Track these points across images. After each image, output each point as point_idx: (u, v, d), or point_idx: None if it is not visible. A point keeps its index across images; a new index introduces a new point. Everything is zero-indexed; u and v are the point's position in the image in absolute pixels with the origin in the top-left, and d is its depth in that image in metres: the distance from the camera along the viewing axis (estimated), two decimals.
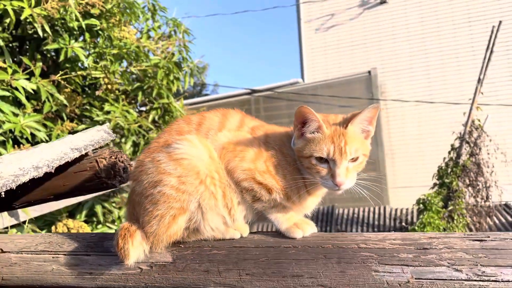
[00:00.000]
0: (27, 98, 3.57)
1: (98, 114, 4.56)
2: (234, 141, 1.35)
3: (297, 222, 1.33)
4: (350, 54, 11.19)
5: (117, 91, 5.12)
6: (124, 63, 5.14)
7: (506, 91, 9.84)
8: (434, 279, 1.14)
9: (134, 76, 5.45)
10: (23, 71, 3.58)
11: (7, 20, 3.43)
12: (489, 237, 1.18)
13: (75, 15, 3.88)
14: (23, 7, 3.37)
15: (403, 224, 8.45)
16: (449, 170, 7.07)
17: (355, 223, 8.17)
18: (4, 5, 3.30)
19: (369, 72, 10.66)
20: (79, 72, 4.29)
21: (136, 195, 1.34)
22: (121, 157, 1.67)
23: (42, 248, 1.46)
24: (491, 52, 7.13)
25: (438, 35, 10.55)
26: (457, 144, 7.10)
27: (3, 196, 1.12)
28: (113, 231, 4.28)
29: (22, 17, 3.34)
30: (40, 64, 3.76)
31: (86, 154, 1.58)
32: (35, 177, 1.23)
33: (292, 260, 1.25)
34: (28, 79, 3.53)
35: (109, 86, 4.96)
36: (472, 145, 7.26)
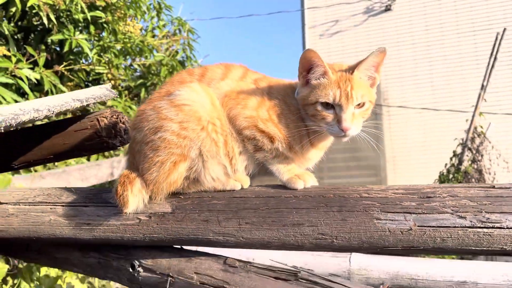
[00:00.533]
0: (30, 89, 3.58)
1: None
2: (236, 89, 1.34)
3: (299, 173, 1.31)
4: (354, 60, 11.20)
5: (120, 87, 5.14)
6: (129, 60, 5.18)
7: (509, 101, 9.83)
8: (437, 227, 1.12)
9: (137, 73, 5.49)
10: (26, 60, 3.59)
11: (13, 9, 3.45)
12: (494, 187, 1.16)
13: (81, 6, 3.90)
14: None
15: None
16: (451, 176, 7.04)
17: None
18: None
19: None
20: (83, 66, 4.31)
21: (137, 143, 1.33)
22: (123, 117, 1.66)
23: (40, 199, 1.44)
24: (495, 59, 7.14)
25: (442, 43, 10.57)
26: (459, 150, 7.08)
27: (2, 131, 1.11)
28: None
29: (28, 5, 3.35)
30: (44, 54, 3.76)
31: (87, 111, 1.57)
32: (35, 119, 1.22)
33: (292, 209, 1.23)
34: (32, 68, 3.54)
35: (112, 82, 4.99)
36: (474, 151, 7.24)
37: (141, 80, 5.12)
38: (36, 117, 1.22)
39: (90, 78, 4.84)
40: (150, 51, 4.96)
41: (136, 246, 1.41)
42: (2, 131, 1.12)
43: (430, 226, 1.13)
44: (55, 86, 3.75)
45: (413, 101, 10.60)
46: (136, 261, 1.41)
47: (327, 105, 1.27)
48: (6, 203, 1.45)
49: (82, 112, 1.67)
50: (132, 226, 1.34)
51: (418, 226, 1.13)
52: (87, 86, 4.88)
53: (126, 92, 5.18)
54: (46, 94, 3.78)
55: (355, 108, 1.27)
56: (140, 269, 1.39)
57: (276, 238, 1.23)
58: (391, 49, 10.99)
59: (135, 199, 1.29)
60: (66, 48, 3.90)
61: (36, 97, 3.85)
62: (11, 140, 1.67)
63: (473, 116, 6.95)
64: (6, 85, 3.28)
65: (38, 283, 2.79)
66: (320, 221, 1.20)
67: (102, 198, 1.40)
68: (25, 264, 2.71)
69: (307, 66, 1.28)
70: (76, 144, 1.64)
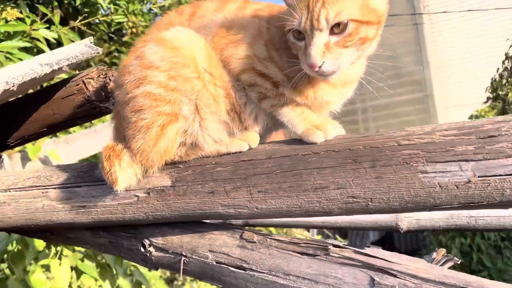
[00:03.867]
0: (50, 49, 3.43)
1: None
2: (228, 23, 1.05)
3: (317, 123, 1.03)
4: None
5: (142, 34, 4.89)
6: (148, 5, 4.88)
7: None
8: (506, 175, 0.84)
9: (158, 17, 5.21)
10: (41, 20, 3.39)
11: None
12: None
13: None
14: None
15: None
16: (504, 81, 6.40)
17: None
18: None
19: None
20: (102, 18, 4.08)
21: (120, 104, 1.09)
22: (112, 75, 1.43)
23: (30, 183, 1.28)
24: None
25: None
26: None
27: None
28: None
29: None
30: (58, 11, 3.54)
31: (68, 79, 1.34)
32: None
33: (313, 170, 0.98)
34: (48, 28, 3.36)
35: (134, 30, 4.76)
36: None
37: None
38: None
39: (112, 29, 4.63)
40: None
41: (143, 224, 1.24)
42: None
43: (496, 175, 0.85)
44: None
45: (456, 4, 9.58)
46: (146, 240, 1.24)
47: (299, 34, 0.94)
48: None
49: (70, 76, 1.44)
50: (131, 205, 1.16)
51: (479, 177, 0.86)
52: (110, 38, 4.69)
53: None
54: None
55: (331, 36, 0.91)
56: (152, 249, 1.23)
57: (297, 205, 1.00)
58: None
59: (125, 174, 1.08)
60: (78, 1, 3.65)
61: None
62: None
63: None
64: (26, 49, 3.14)
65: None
66: (348, 181, 0.95)
67: (95, 176, 1.21)
68: None
69: None
70: (68, 113, 1.45)
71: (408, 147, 0.92)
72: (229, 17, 1.05)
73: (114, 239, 1.34)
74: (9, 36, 3.14)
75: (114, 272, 2.75)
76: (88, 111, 1.44)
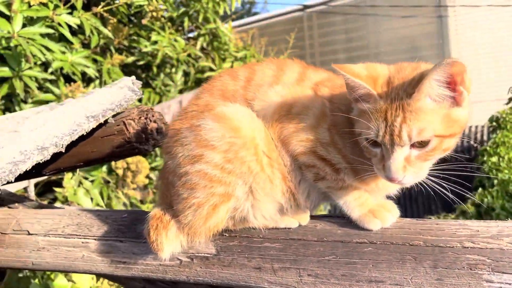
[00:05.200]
0: (73, 34, 3.40)
1: (146, 45, 4.35)
2: (289, 100, 1.00)
3: (374, 208, 0.99)
4: None
5: (162, 19, 4.83)
6: None
7: None
8: None
9: (178, 1, 5.12)
10: (64, 5, 3.34)
11: None
12: None
13: None
14: None
15: (472, 143, 7.89)
16: None
17: None
18: None
19: None
20: (122, 1, 4.00)
21: (169, 172, 1.06)
22: (153, 116, 1.39)
23: (70, 231, 1.27)
24: None
25: None
26: None
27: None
28: None
29: None
30: None
31: (106, 122, 1.31)
32: (41, 161, 0.99)
33: (368, 261, 0.95)
34: (70, 13, 3.32)
35: (154, 14, 4.69)
36: None
37: (183, 9, 4.79)
38: (41, 159, 0.99)
39: (132, 11, 4.56)
40: None
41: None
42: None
43: None
44: (97, 29, 3.54)
45: None
46: None
47: (374, 142, 0.89)
48: (36, 234, 1.30)
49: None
50: (173, 268, 1.14)
51: None
52: (130, 21, 4.62)
53: (169, 24, 4.88)
54: (89, 38, 3.60)
55: (413, 149, 0.86)
56: None
57: None
58: None
59: (170, 244, 1.07)
60: None
61: (80, 41, 3.66)
62: None
63: None
64: (48, 35, 3.12)
65: None
66: (407, 279, 0.91)
67: (136, 232, 1.19)
68: None
69: (347, 86, 0.91)
70: (106, 152, 1.42)
71: (473, 250, 0.88)
72: (288, 93, 1.00)
73: (149, 286, 1.34)
74: (32, 20, 3.11)
75: None
76: (126, 151, 1.41)
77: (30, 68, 3.01)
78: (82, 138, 1.42)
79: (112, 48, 4.15)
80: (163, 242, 1.05)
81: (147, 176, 4.04)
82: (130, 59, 4.31)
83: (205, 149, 0.95)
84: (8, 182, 0.89)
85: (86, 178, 3.29)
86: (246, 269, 1.06)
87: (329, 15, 10.34)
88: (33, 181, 3.01)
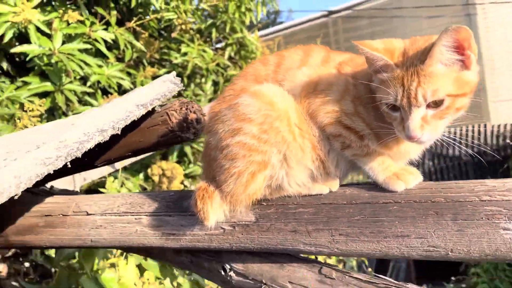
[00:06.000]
0: (108, 49, 3.63)
1: (176, 57, 4.56)
2: (315, 79, 1.12)
3: (398, 171, 1.10)
4: None
5: (191, 31, 5.05)
6: (195, 1, 5.00)
7: None
8: None
9: (206, 13, 5.33)
10: (99, 22, 3.59)
11: None
12: None
13: None
14: None
15: (508, 141, 7.71)
16: None
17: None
18: None
19: None
20: (152, 16, 4.24)
21: (211, 149, 1.20)
22: (192, 107, 1.54)
23: (124, 209, 1.42)
24: None
25: None
26: None
27: (69, 166, 1.05)
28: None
29: None
30: (114, 12, 3.74)
31: (153, 110, 1.47)
32: (101, 142, 1.14)
33: (394, 218, 1.05)
34: (106, 29, 3.55)
35: (183, 27, 4.91)
36: None
37: (210, 21, 4.99)
38: (101, 140, 1.14)
39: (162, 26, 4.80)
40: None
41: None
42: (69, 165, 1.05)
43: None
44: (130, 43, 3.76)
45: None
46: (227, 265, 1.36)
47: (394, 106, 1.01)
48: (94, 214, 1.46)
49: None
50: (217, 236, 1.27)
51: None
52: (160, 34, 4.86)
53: (198, 35, 5.09)
54: (124, 52, 3.83)
55: (429, 109, 0.97)
56: (232, 273, 1.34)
57: (377, 250, 1.07)
58: None
59: (215, 212, 1.20)
60: (133, 3, 3.82)
61: (115, 55, 3.90)
62: None
63: None
64: (86, 50, 3.36)
65: None
66: (430, 232, 1.01)
67: (183, 206, 1.33)
68: None
69: (367, 59, 1.03)
70: (152, 141, 1.57)
71: (490, 203, 0.97)
72: (314, 73, 1.12)
73: (195, 260, 1.47)
74: (70, 38, 3.35)
75: (174, 271, 2.93)
76: (170, 140, 1.56)
77: (70, 82, 3.23)
78: (130, 129, 1.58)
79: (144, 61, 4.37)
80: (209, 210, 1.18)
81: (182, 182, 4.21)
82: (162, 71, 4.51)
83: (243, 123, 1.08)
84: (76, 157, 1.04)
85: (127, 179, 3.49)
86: (283, 232, 1.17)
87: (354, 20, 10.41)
88: (78, 185, 3.23)
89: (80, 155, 1.07)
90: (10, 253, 3.16)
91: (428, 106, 0.97)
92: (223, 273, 1.37)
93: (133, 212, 1.40)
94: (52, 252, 3.24)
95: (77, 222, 1.47)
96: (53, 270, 3.31)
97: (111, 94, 3.57)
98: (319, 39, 6.74)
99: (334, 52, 1.20)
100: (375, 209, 1.08)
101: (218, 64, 5.06)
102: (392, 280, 1.09)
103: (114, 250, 2.96)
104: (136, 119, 1.28)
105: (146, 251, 1.62)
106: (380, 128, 1.05)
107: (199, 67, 4.81)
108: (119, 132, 1.21)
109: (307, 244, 1.15)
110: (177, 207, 1.35)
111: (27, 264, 3.31)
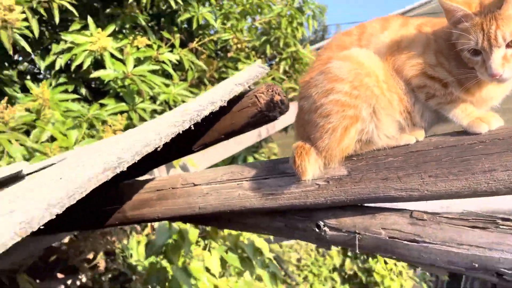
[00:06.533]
0: (173, 69, 3.97)
1: (233, 74, 4.85)
2: (398, 38, 1.28)
3: (480, 116, 1.22)
4: None
5: (246, 49, 5.34)
6: (249, 20, 5.32)
7: None
8: None
9: (260, 31, 5.63)
10: (165, 44, 3.96)
11: (144, 0, 3.79)
12: None
13: None
14: None
15: None
16: None
17: None
18: None
19: None
20: (210, 37, 4.57)
21: (305, 112, 1.38)
22: (277, 89, 1.73)
23: (227, 177, 1.62)
24: None
25: None
26: None
27: (193, 128, 1.27)
28: None
29: None
30: (178, 35, 4.11)
31: (250, 89, 1.68)
32: (213, 111, 1.36)
33: (480, 156, 1.16)
34: (171, 51, 3.91)
35: (239, 45, 5.22)
36: None
37: (264, 38, 5.27)
38: (213, 109, 1.36)
39: (218, 47, 5.13)
40: (268, 6, 5.03)
41: (317, 208, 1.50)
42: (192, 128, 1.27)
43: None
44: (192, 62, 4.09)
45: None
46: (320, 222, 1.50)
47: (475, 51, 1.14)
48: (200, 185, 1.67)
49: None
50: (313, 192, 1.43)
51: None
52: (216, 55, 5.20)
53: (253, 52, 5.37)
54: (186, 72, 4.17)
55: (508, 49, 1.09)
56: (326, 229, 1.49)
57: (466, 187, 1.18)
58: None
59: (311, 167, 1.36)
60: (194, 25, 4.17)
61: (179, 76, 4.25)
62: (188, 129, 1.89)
63: None
64: (153, 71, 3.71)
65: (222, 240, 3.24)
66: None
67: (279, 169, 1.51)
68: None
69: (447, 12, 1.17)
70: (242, 123, 1.78)
71: None
72: (396, 35, 1.29)
73: (289, 223, 1.63)
74: (140, 61, 3.72)
75: (254, 263, 3.10)
76: (259, 120, 1.76)
77: (142, 101, 3.57)
78: (222, 113, 1.81)
79: (205, 80, 4.69)
80: (306, 165, 1.35)
81: None
82: None
83: (335, 83, 1.26)
84: (196, 122, 1.26)
85: None
86: (375, 181, 1.32)
87: None
88: None
89: (199, 120, 1.29)
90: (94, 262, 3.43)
91: (507, 46, 1.10)
92: (317, 230, 1.52)
93: (235, 179, 1.60)
94: (133, 261, 3.53)
95: (186, 192, 1.69)
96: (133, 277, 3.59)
97: None
98: None
99: (412, 18, 1.36)
100: (462, 149, 1.20)
101: (273, 78, 5.29)
102: (483, 214, 1.19)
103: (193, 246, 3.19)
104: (236, 94, 1.49)
105: (242, 224, 1.80)
106: (462, 74, 1.19)
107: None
108: (225, 104, 1.43)
109: (398, 189, 1.28)
110: (274, 171, 1.53)
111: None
